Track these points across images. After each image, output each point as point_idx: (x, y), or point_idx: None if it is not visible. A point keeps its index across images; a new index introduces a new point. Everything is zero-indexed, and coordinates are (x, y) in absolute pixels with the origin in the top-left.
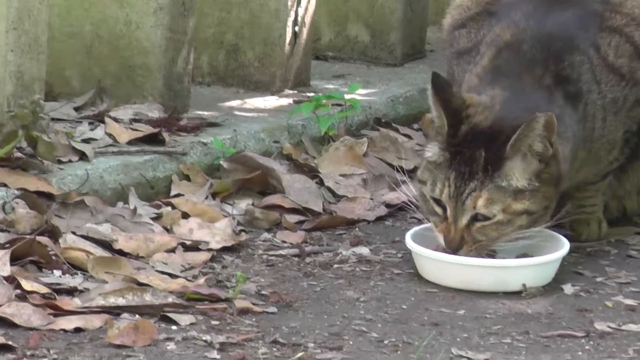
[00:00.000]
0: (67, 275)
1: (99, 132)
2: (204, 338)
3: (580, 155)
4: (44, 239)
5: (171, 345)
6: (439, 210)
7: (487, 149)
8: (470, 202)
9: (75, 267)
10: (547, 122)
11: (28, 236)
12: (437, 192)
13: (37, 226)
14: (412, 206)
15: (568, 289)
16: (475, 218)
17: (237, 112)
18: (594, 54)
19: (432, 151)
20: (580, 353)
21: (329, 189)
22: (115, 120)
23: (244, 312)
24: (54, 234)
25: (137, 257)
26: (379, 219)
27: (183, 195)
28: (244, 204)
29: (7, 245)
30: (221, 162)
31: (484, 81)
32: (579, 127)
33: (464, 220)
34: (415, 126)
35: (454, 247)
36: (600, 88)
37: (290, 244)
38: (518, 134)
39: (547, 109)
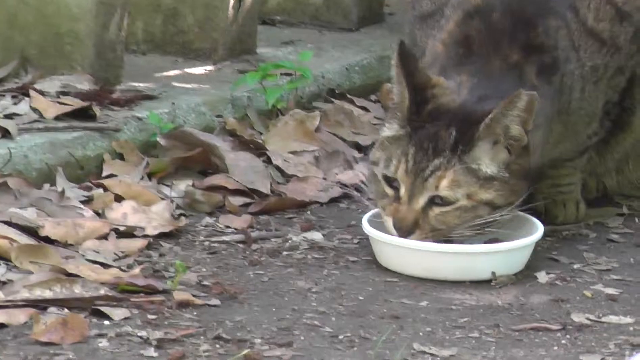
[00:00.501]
0: None
1: (22, 107)
2: (139, 334)
3: (555, 129)
4: None
5: (103, 342)
6: (389, 191)
7: (458, 128)
8: (432, 181)
9: None
10: (529, 102)
11: None
12: (391, 168)
13: None
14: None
15: (542, 277)
16: (433, 201)
17: (175, 83)
18: (572, 17)
19: (391, 129)
20: (555, 348)
21: (278, 168)
22: (41, 93)
23: (183, 305)
24: None
25: (65, 245)
26: (333, 200)
27: (116, 175)
28: (183, 185)
29: None
30: (158, 139)
31: (450, 55)
32: (552, 103)
33: (420, 201)
34: (373, 97)
35: (404, 230)
36: (579, 55)
37: (235, 229)
38: (496, 112)
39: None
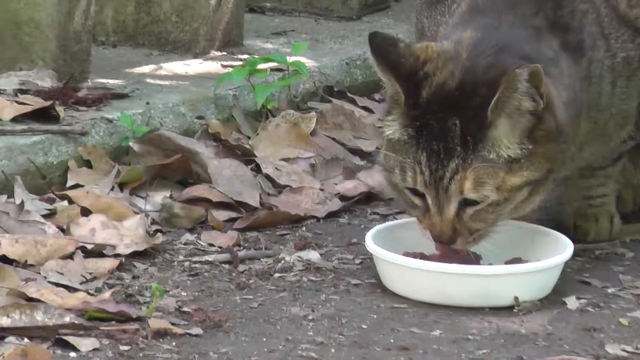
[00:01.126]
0: None
1: None
2: None
3: (584, 127)
4: None
5: None
6: (417, 200)
7: (462, 116)
8: (455, 187)
9: None
10: (531, 75)
11: None
12: (409, 180)
13: None
14: (375, 198)
15: (572, 302)
16: (464, 202)
17: (150, 80)
18: (601, 2)
19: (393, 127)
20: None
21: (268, 177)
22: None
23: (160, 334)
24: None
25: (25, 265)
26: (331, 215)
27: (83, 186)
28: (159, 197)
29: None
30: (131, 144)
31: (458, 27)
32: (582, 85)
33: (451, 210)
34: (377, 96)
35: (446, 240)
36: (609, 44)
37: (219, 247)
38: (498, 96)
39: (531, 47)
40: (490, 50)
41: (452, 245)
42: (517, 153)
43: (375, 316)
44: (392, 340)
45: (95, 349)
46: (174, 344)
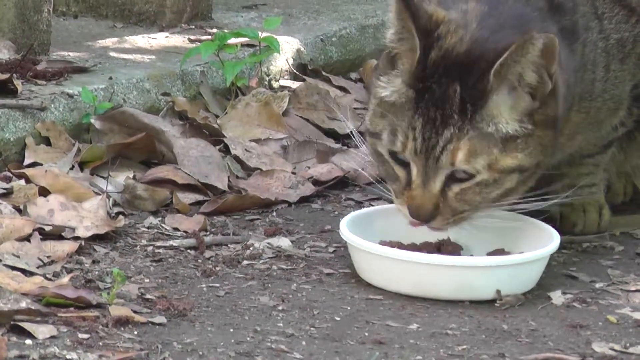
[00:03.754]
0: None
1: None
2: (68, 356)
3: (575, 118)
4: None
5: None
6: (400, 172)
7: (464, 82)
8: (446, 157)
9: None
10: (546, 47)
11: None
12: (398, 144)
13: None
14: (349, 182)
15: (557, 297)
16: (451, 178)
17: (113, 54)
18: None
19: (390, 88)
20: None
21: (237, 159)
22: None
23: (122, 322)
24: None
25: None
26: (304, 200)
27: (41, 164)
28: (122, 177)
29: None
30: (92, 121)
31: None
32: (576, 77)
33: (437, 183)
34: (354, 76)
35: (425, 217)
36: (603, 25)
37: (185, 232)
38: (505, 57)
39: (540, 29)
40: (499, 23)
41: (429, 224)
42: (516, 130)
43: (349, 308)
44: (366, 334)
45: (52, 337)
46: (135, 332)
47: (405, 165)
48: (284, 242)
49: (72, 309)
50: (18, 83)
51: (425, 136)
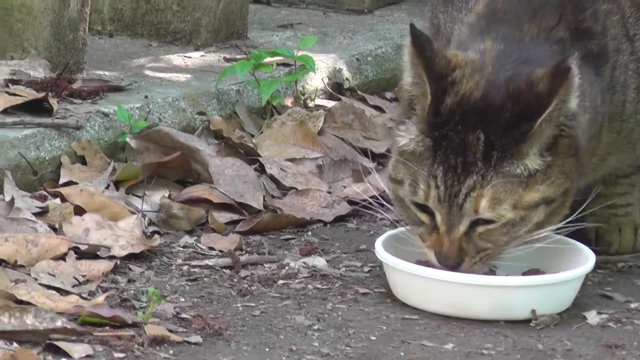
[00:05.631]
0: None
1: None
2: None
3: (606, 138)
4: None
5: None
6: (424, 217)
7: (488, 130)
8: (470, 205)
9: None
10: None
11: None
12: (420, 195)
13: None
14: (384, 203)
15: (592, 317)
16: (476, 222)
17: (148, 73)
18: (626, 1)
19: (408, 136)
20: None
21: (272, 179)
22: None
23: (157, 341)
24: None
25: (14, 266)
26: (339, 219)
27: (76, 183)
28: (157, 196)
29: None
30: (127, 140)
31: (475, 31)
32: (603, 99)
33: (461, 228)
34: (389, 95)
35: (452, 264)
36: (635, 47)
37: (220, 251)
38: (557, 100)
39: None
40: (514, 64)
41: (457, 270)
42: (539, 164)
43: (384, 327)
44: (402, 354)
45: (88, 356)
46: (171, 352)
47: (429, 212)
48: (319, 261)
49: (107, 328)
50: (54, 102)
51: (447, 184)
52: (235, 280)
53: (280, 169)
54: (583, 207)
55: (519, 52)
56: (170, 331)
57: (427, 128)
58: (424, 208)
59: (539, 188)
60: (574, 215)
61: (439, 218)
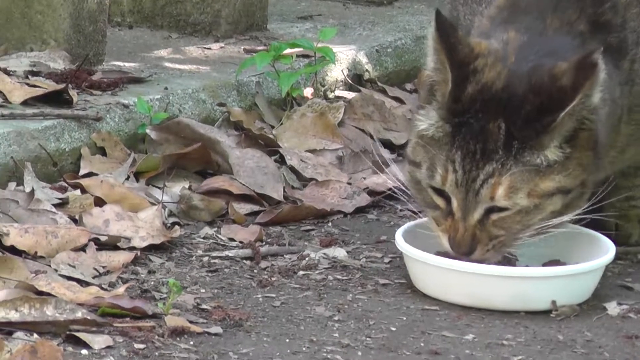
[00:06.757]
0: None
1: None
2: None
3: (625, 131)
4: None
5: None
6: (440, 202)
7: (509, 120)
8: (486, 191)
9: None
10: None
11: None
12: (437, 179)
13: None
14: (404, 194)
15: (612, 308)
16: (490, 209)
17: (168, 64)
18: None
19: (428, 121)
20: None
21: (292, 170)
22: (6, 72)
23: (178, 332)
24: None
25: (34, 257)
26: (359, 210)
27: (96, 174)
28: (177, 187)
29: None
30: (147, 131)
31: (497, 22)
32: (622, 91)
33: (476, 215)
34: (409, 86)
35: (464, 251)
36: None
37: (240, 242)
38: (582, 95)
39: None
40: (537, 56)
41: (470, 257)
42: (558, 155)
43: (404, 318)
44: (422, 344)
45: (108, 347)
46: (191, 343)
47: (446, 196)
48: (339, 252)
49: (127, 319)
50: (73, 93)
51: (465, 169)
52: (255, 271)
53: (301, 160)
54: (599, 197)
55: (541, 44)
56: (191, 322)
57: (447, 114)
58: (440, 192)
59: (555, 178)
60: (589, 204)
61: (454, 203)
